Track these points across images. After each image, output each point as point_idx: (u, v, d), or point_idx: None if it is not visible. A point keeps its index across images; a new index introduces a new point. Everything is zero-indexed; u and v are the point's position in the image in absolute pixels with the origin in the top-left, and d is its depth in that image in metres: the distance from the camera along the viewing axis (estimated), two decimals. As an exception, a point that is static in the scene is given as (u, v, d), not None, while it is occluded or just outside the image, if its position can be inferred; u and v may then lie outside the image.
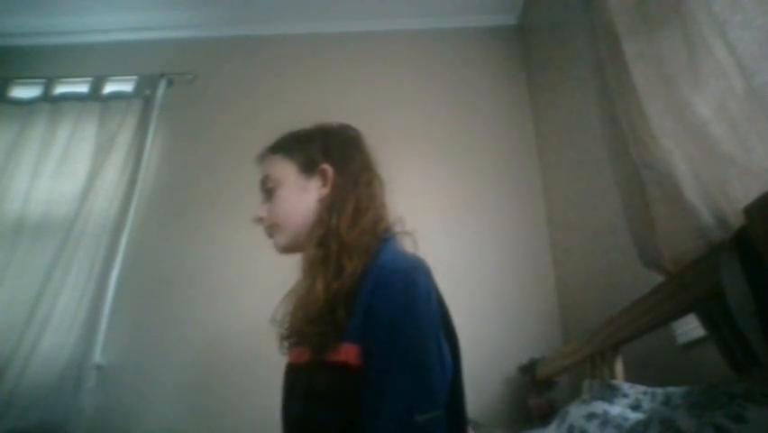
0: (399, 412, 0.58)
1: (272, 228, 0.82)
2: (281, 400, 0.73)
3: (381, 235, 0.77)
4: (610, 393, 0.87)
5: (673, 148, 0.66)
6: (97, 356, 1.70)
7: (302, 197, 0.80)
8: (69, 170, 1.98)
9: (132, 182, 1.96)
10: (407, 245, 0.79)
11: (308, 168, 0.82)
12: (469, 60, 2.29)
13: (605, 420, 0.79)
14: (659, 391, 0.81)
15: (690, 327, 0.97)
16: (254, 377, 1.63)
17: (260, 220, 0.84)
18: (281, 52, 2.33)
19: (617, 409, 0.81)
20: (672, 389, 0.79)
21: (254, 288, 1.72)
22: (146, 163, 2.04)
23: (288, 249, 0.82)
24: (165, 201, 2.03)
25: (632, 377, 0.99)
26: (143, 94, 2.15)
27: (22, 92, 2.18)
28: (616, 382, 0.90)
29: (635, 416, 0.76)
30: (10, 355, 1.60)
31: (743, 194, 0.58)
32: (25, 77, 2.22)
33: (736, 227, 0.57)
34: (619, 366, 1.01)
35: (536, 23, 2.15)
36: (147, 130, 2.07)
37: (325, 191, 0.80)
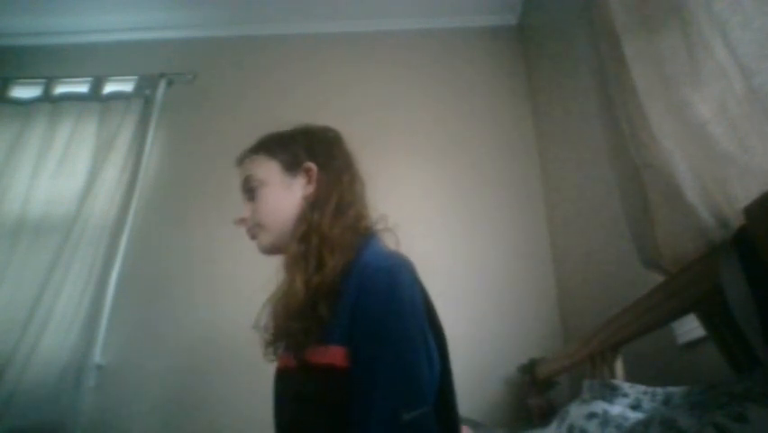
0: (387, 411, 0.58)
1: (256, 228, 0.82)
2: (273, 406, 0.73)
3: (363, 233, 0.77)
4: (610, 393, 0.87)
5: (673, 148, 0.66)
6: (97, 356, 1.70)
7: (286, 195, 0.80)
8: (69, 170, 1.98)
9: (132, 182, 1.96)
10: (390, 242, 0.79)
11: (292, 167, 0.82)
12: (469, 60, 2.28)
13: (605, 420, 0.79)
14: (659, 391, 0.81)
15: (690, 327, 0.97)
16: (254, 377, 1.62)
17: (242, 221, 0.84)
18: (281, 52, 2.33)
19: (617, 408, 0.81)
20: (671, 389, 0.79)
21: (254, 288, 1.71)
22: (146, 163, 2.03)
23: (271, 249, 0.82)
24: (165, 201, 2.03)
25: (632, 377, 0.99)
26: (143, 94, 2.15)
27: (22, 92, 2.18)
28: (616, 381, 0.90)
29: (635, 416, 0.76)
30: (10, 355, 1.60)
31: (743, 194, 0.58)
32: (25, 77, 2.22)
33: (736, 227, 0.57)
34: (619, 366, 1.01)
35: (536, 23, 2.15)
36: (147, 130, 2.07)
37: (310, 189, 0.80)
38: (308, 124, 0.89)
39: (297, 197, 0.80)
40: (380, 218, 0.82)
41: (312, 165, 0.81)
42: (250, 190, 0.83)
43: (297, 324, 0.67)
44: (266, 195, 0.81)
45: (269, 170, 0.82)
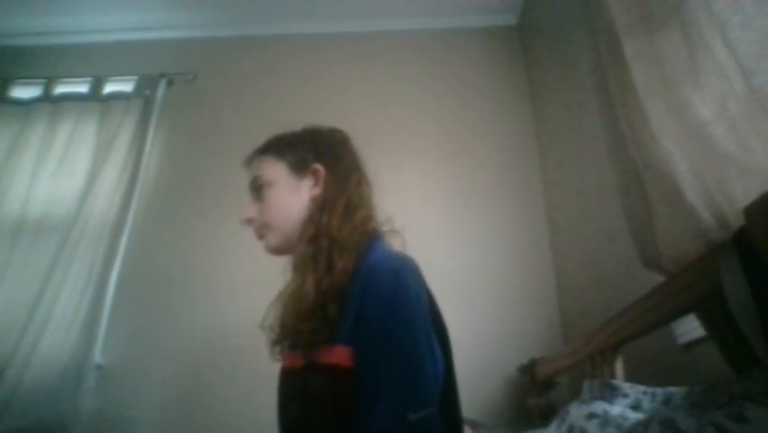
0: (393, 412, 0.58)
1: (263, 229, 0.82)
2: (277, 405, 0.73)
3: (370, 234, 0.77)
4: (610, 393, 0.87)
5: (673, 148, 0.66)
6: (97, 356, 1.70)
7: (294, 196, 0.80)
8: (69, 170, 1.97)
9: (132, 182, 1.96)
10: (396, 244, 0.79)
11: (300, 168, 0.82)
12: (469, 60, 2.28)
13: (605, 420, 0.79)
14: (659, 391, 0.81)
15: (690, 327, 0.97)
16: (254, 377, 1.63)
17: (249, 221, 0.84)
18: (281, 52, 2.33)
19: (617, 409, 0.81)
20: (671, 389, 0.79)
21: (254, 288, 1.70)
22: (146, 163, 2.03)
23: (278, 250, 0.82)
24: (165, 201, 2.03)
25: (632, 377, 0.99)
26: (143, 94, 2.15)
27: (22, 92, 2.18)
28: (616, 382, 0.90)
29: (635, 416, 0.76)
30: (10, 355, 1.60)
31: (743, 194, 0.58)
32: (25, 77, 2.22)
33: (736, 227, 0.57)
34: (619, 366, 1.01)
35: (536, 23, 2.15)
36: (147, 130, 2.07)
37: (317, 191, 0.80)
38: (316, 126, 0.89)
39: (305, 198, 0.80)
40: (387, 220, 0.83)
41: (319, 167, 0.81)
42: (257, 190, 0.83)
43: (306, 324, 0.67)
44: (273, 196, 0.81)
45: (276, 171, 0.83)
